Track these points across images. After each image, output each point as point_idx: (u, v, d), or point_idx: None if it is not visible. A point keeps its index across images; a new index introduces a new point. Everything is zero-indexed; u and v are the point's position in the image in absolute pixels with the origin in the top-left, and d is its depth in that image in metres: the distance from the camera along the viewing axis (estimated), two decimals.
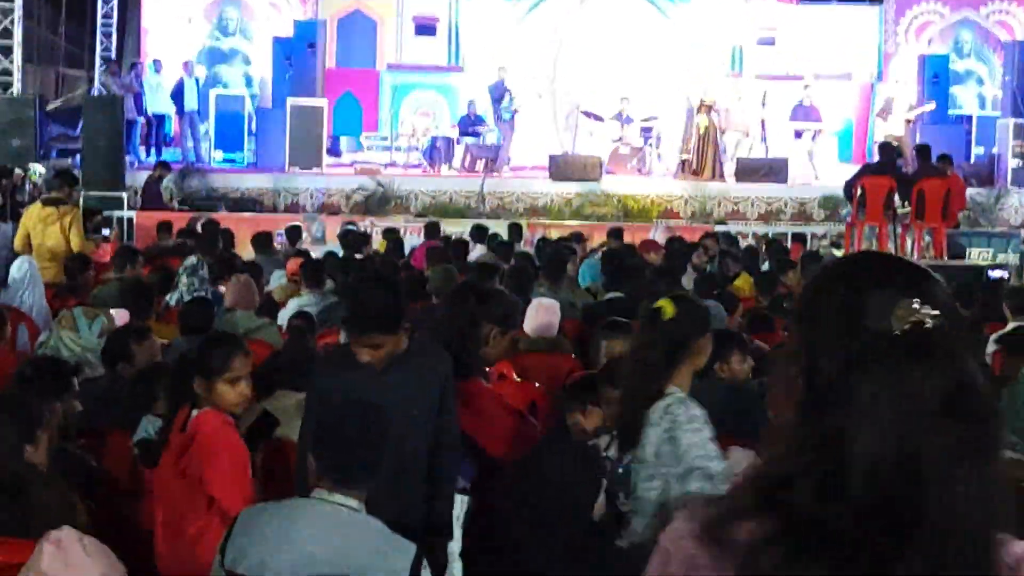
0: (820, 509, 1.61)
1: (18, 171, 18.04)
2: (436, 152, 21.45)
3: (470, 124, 21.87)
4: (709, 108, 20.82)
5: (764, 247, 14.38)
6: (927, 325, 1.67)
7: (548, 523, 4.91)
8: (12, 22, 23.48)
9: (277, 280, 11.00)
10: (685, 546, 1.71)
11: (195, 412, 4.64)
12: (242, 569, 3.65)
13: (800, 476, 1.64)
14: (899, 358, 1.64)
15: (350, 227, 15.34)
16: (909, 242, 15.84)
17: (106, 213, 17.61)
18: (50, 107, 22.56)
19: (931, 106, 21.84)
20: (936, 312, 1.67)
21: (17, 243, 11.76)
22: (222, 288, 9.43)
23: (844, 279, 1.74)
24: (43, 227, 11.57)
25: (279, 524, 3.71)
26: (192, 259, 10.96)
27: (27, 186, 17.85)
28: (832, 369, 1.67)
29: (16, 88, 22.67)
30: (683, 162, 20.92)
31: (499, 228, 15.24)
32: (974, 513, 1.61)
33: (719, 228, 17.78)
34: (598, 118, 22.47)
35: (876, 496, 1.60)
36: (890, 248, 15.55)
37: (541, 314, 7.48)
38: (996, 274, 13.77)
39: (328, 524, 3.70)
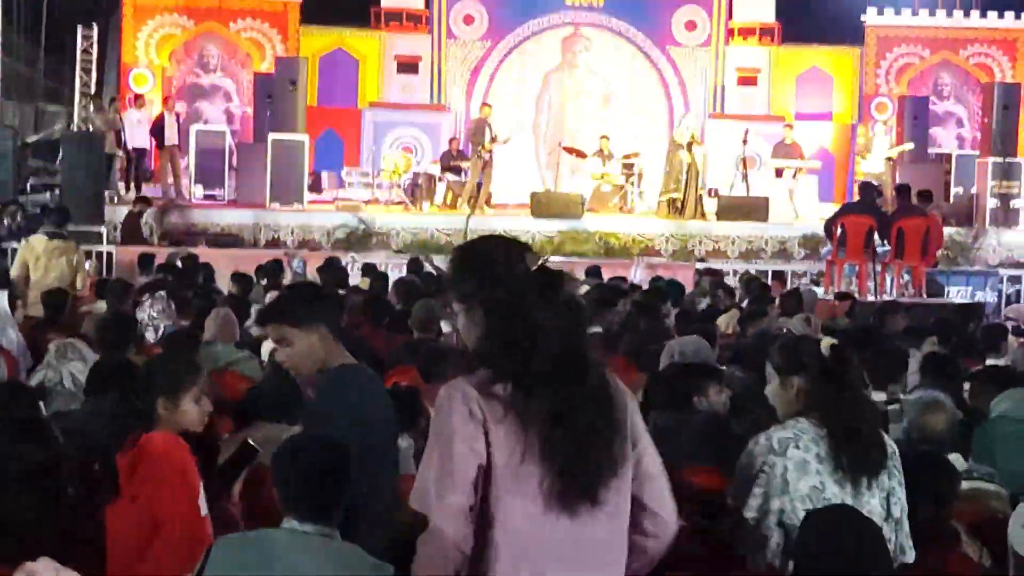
0: (526, 371, 3.09)
1: None
2: (417, 189, 21.44)
3: (451, 160, 21.88)
4: (690, 145, 20.88)
5: (745, 284, 14.37)
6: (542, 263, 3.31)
7: None
8: None
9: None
10: (468, 392, 3.09)
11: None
12: None
13: (514, 360, 3.09)
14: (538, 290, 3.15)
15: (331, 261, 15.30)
16: (889, 280, 15.88)
17: (85, 248, 17.55)
18: (29, 141, 22.52)
19: (910, 146, 21.98)
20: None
21: (14, 273, 11.67)
22: (184, 323, 9.44)
23: (483, 255, 3.37)
24: (47, 260, 11.50)
25: (256, 553, 3.69)
26: (161, 295, 10.93)
27: (5, 220, 17.75)
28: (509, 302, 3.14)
29: None
30: (670, 200, 20.91)
31: None
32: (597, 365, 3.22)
33: (700, 265, 17.80)
34: (580, 155, 22.53)
35: (556, 364, 3.10)
36: (870, 287, 15.60)
37: None
38: None
39: (303, 551, 3.68)
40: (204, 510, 4.48)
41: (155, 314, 9.71)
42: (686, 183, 20.92)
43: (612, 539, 3.19)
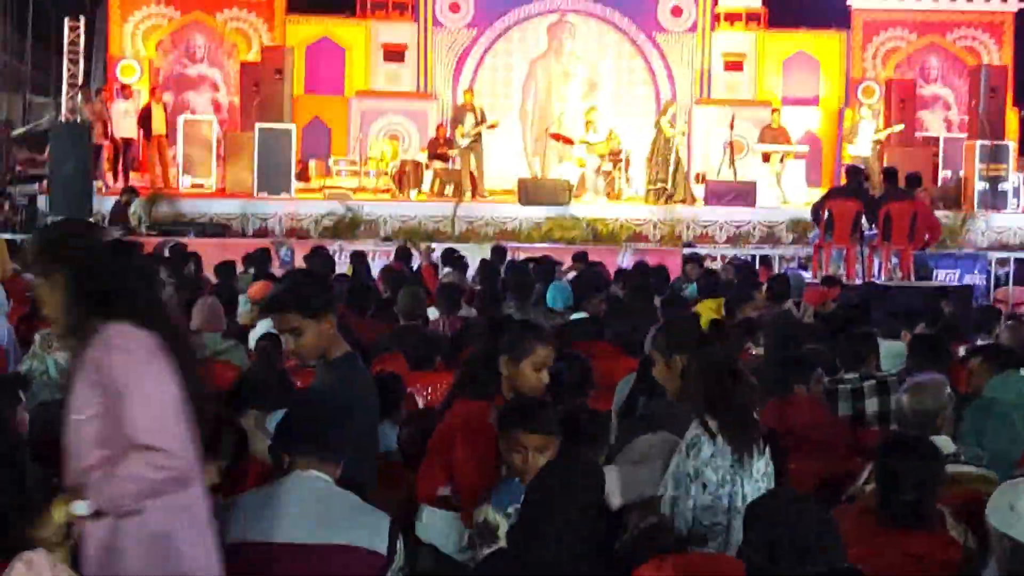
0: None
1: None
2: (405, 176, 21.43)
3: (438, 147, 21.88)
4: (681, 134, 20.91)
5: (731, 269, 14.40)
6: None
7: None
8: None
9: (242, 305, 10.94)
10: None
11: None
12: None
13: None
14: None
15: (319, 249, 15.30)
16: (876, 263, 15.92)
17: None
18: (16, 133, 22.48)
19: (899, 127, 22.00)
20: None
21: None
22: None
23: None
24: None
25: (269, 499, 4.05)
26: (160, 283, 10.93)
27: None
28: None
29: None
30: (661, 189, 20.93)
31: (468, 251, 15.20)
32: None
33: (687, 251, 17.82)
34: (567, 141, 22.52)
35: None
36: (857, 270, 15.63)
37: None
38: None
39: (309, 496, 4.02)
40: None
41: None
42: (675, 170, 20.96)
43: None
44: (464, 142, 21.23)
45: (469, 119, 21.33)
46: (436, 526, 5.06)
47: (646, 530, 4.43)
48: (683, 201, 20.91)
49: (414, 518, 5.11)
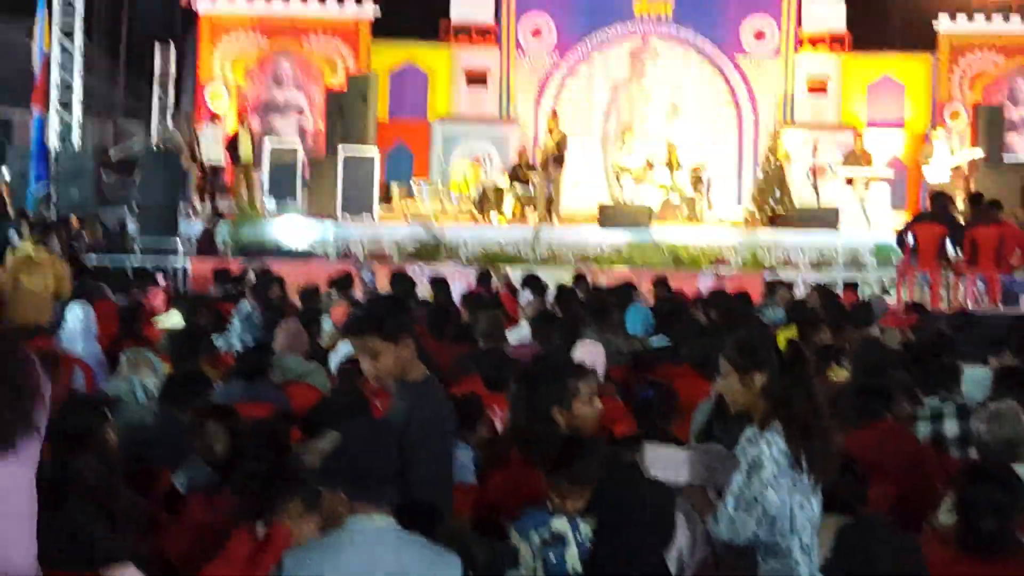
0: None
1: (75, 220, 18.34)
2: (486, 200, 21.54)
3: (519, 172, 21.98)
4: (774, 156, 20.93)
5: (815, 295, 14.28)
6: None
7: None
8: (72, 75, 24.02)
9: (325, 327, 11.09)
10: None
11: None
12: None
13: None
14: None
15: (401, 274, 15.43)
16: (962, 290, 15.72)
17: (161, 262, 17.88)
18: (108, 158, 22.94)
19: (978, 152, 21.70)
20: None
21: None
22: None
23: None
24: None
25: (331, 555, 3.79)
26: (246, 306, 11.11)
27: (85, 235, 18.11)
28: None
29: (76, 140, 23.11)
30: (770, 213, 21.02)
31: (548, 276, 15.23)
32: None
33: (769, 276, 17.70)
34: (649, 166, 22.51)
35: None
36: (943, 296, 15.45)
37: (577, 355, 7.54)
38: None
39: (377, 549, 3.78)
40: None
41: (248, 330, 9.84)
42: (783, 194, 21.08)
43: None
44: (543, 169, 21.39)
45: (548, 142, 21.47)
46: None
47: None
48: (789, 225, 20.87)
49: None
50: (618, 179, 22.48)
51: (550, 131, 21.77)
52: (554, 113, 22.83)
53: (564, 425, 5.19)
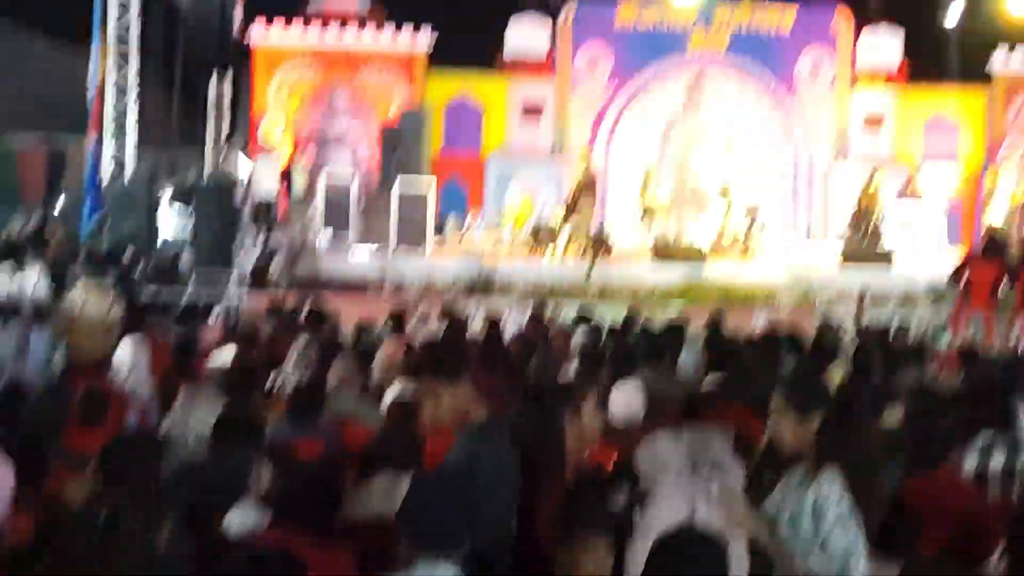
0: None
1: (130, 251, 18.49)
2: (540, 235, 21.58)
3: (573, 207, 22.01)
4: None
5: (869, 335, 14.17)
6: None
7: None
8: (126, 107, 24.22)
9: (378, 364, 11.09)
10: None
11: None
12: None
13: None
14: None
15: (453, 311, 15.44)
16: (1016, 329, 15.56)
17: (215, 295, 17.99)
18: (163, 190, 23.13)
19: None
20: None
21: None
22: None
23: None
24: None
25: None
26: (300, 341, 11.14)
27: (139, 268, 18.24)
28: None
29: (129, 172, 23.30)
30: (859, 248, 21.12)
31: (601, 311, 15.21)
32: None
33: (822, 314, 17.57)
34: (703, 203, 22.50)
35: None
36: (997, 335, 15.30)
37: (618, 400, 7.50)
38: None
39: None
40: None
41: (303, 365, 9.86)
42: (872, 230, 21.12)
43: None
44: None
45: (579, 177, 21.61)
46: None
47: None
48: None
49: None
50: (646, 219, 22.39)
51: (584, 165, 21.83)
52: (589, 147, 22.89)
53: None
